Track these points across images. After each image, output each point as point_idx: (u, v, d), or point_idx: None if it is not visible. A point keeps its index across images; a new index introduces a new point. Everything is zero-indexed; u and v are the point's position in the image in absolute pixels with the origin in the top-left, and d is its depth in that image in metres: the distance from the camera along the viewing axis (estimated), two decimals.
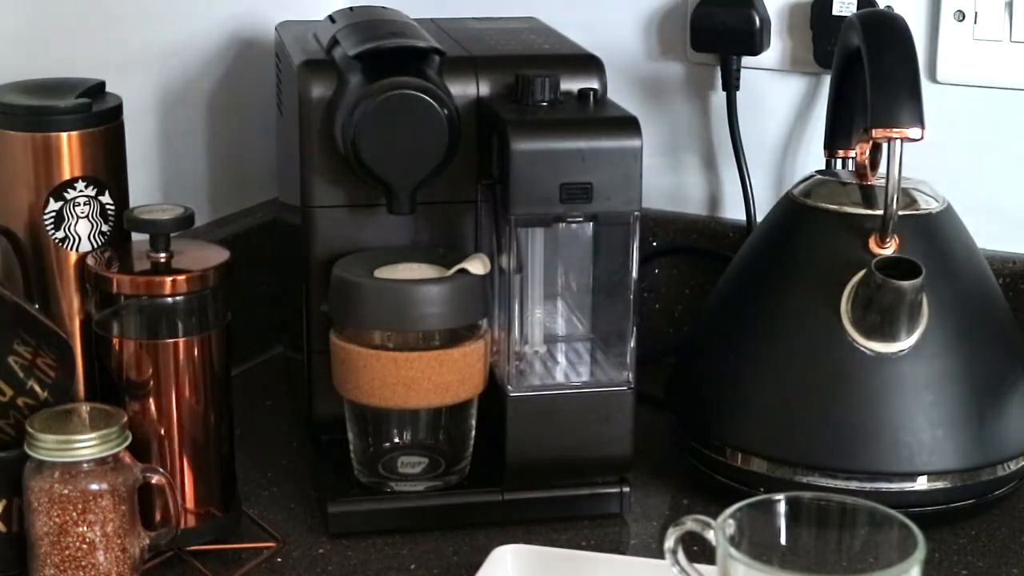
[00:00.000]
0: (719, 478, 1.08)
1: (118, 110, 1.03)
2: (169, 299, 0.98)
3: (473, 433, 1.07)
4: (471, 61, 1.08)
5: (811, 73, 1.30)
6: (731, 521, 0.81)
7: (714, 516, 0.82)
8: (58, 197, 1.00)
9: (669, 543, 0.84)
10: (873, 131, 1.05)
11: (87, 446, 0.92)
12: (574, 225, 1.04)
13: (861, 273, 1.04)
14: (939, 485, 1.04)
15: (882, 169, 1.09)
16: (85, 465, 0.93)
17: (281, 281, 1.28)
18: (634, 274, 1.03)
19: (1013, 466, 1.07)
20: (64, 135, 0.99)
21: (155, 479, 0.96)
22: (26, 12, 1.12)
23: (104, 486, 0.93)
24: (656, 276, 1.35)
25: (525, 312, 1.07)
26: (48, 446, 0.92)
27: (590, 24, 1.29)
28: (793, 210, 1.12)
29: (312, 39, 1.14)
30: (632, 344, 1.04)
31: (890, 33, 1.07)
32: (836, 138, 1.18)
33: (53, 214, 1.00)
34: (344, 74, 1.04)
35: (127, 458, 0.95)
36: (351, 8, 1.16)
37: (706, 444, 1.09)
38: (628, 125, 1.01)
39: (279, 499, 1.10)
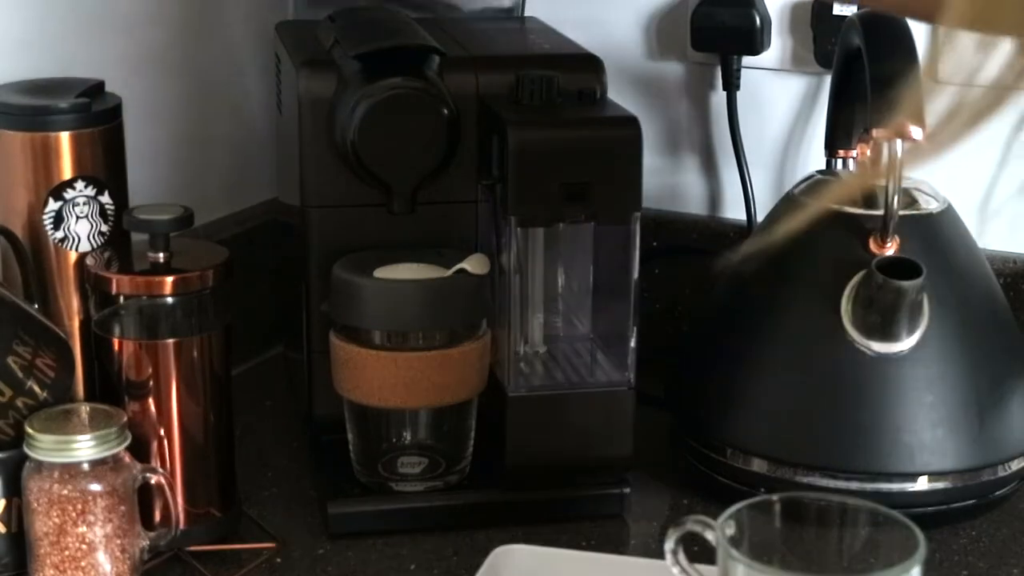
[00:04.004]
0: (719, 478, 1.08)
1: (117, 110, 1.03)
2: (169, 299, 0.98)
3: (473, 433, 1.07)
4: (471, 61, 1.08)
5: (811, 73, 1.30)
6: (731, 521, 0.81)
7: (714, 516, 0.82)
8: (57, 197, 1.00)
9: (669, 543, 0.84)
10: (873, 131, 1.05)
11: (86, 446, 0.92)
12: (574, 225, 1.04)
13: (861, 273, 1.04)
14: (940, 485, 1.04)
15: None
16: (84, 465, 0.93)
17: (281, 281, 1.28)
18: (634, 274, 1.03)
19: (1014, 466, 1.07)
20: (63, 135, 0.99)
21: (155, 479, 0.96)
22: (26, 12, 1.12)
23: (103, 486, 0.93)
24: (656, 276, 1.35)
25: (525, 312, 1.06)
26: (47, 446, 0.92)
27: (590, 24, 1.29)
28: (793, 210, 1.11)
29: (312, 39, 1.14)
30: (632, 344, 1.04)
31: (891, 33, 1.07)
32: (836, 138, 1.17)
33: (52, 214, 1.00)
34: (344, 74, 1.04)
35: (126, 458, 0.95)
36: (351, 8, 1.15)
37: (706, 444, 1.09)
38: (628, 125, 1.01)
39: (279, 499, 1.10)
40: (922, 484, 1.04)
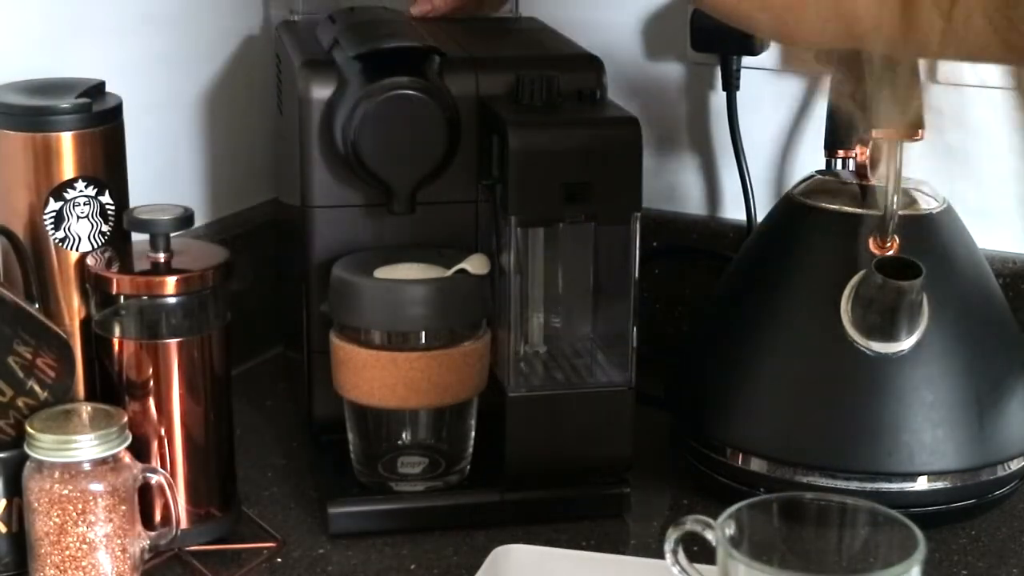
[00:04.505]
0: (719, 478, 1.08)
1: (118, 110, 1.03)
2: (169, 299, 0.98)
3: (473, 433, 1.07)
4: (471, 61, 1.08)
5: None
6: (731, 521, 0.81)
7: (714, 516, 0.82)
8: (58, 197, 1.00)
9: (669, 543, 0.84)
10: (873, 131, 1.05)
11: (87, 446, 0.92)
12: (574, 225, 1.04)
13: (861, 273, 1.04)
14: (939, 485, 1.04)
15: (882, 169, 1.09)
16: (85, 465, 0.93)
17: (281, 281, 1.28)
18: (634, 274, 1.03)
19: (1013, 466, 1.07)
20: (64, 135, 0.99)
21: (155, 479, 0.96)
22: (26, 12, 1.12)
23: (104, 486, 0.93)
24: (656, 276, 1.35)
25: (525, 312, 1.07)
26: (48, 446, 0.92)
27: (590, 24, 1.29)
28: (793, 210, 1.12)
29: (312, 39, 1.14)
30: (632, 344, 1.04)
31: None
32: (836, 138, 1.17)
33: (53, 214, 1.00)
34: (344, 74, 1.04)
35: (127, 458, 0.95)
36: (351, 8, 1.16)
37: (706, 444, 1.09)
38: (628, 125, 1.01)
39: (279, 499, 1.10)
40: (922, 484, 1.04)
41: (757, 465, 1.06)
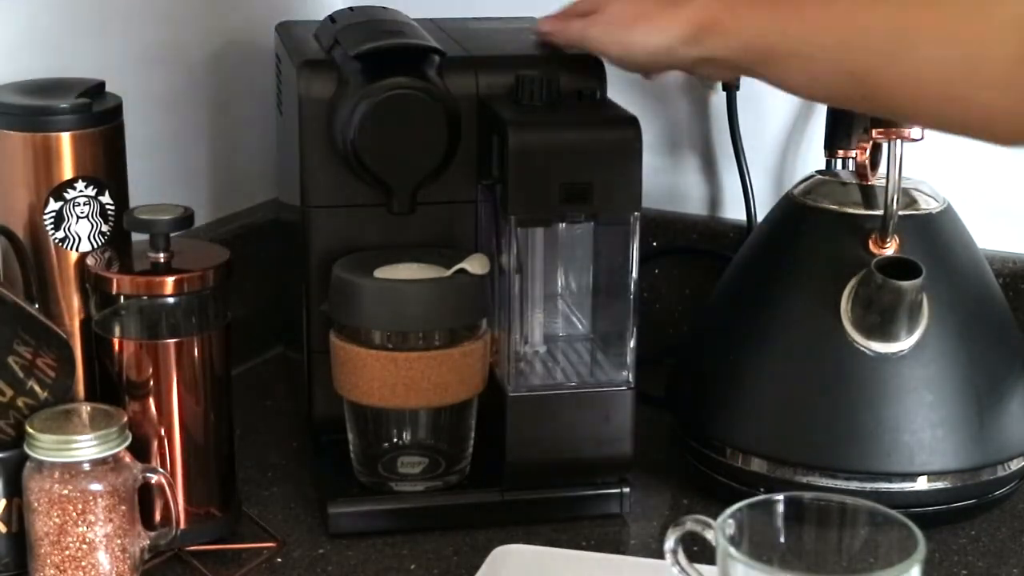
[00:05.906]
0: (719, 478, 1.08)
1: (118, 110, 1.03)
2: (169, 299, 0.98)
3: (473, 433, 1.07)
4: (471, 61, 1.08)
5: None
6: (731, 521, 0.81)
7: (714, 516, 0.82)
8: (58, 197, 1.00)
9: (669, 543, 0.84)
10: (873, 131, 1.05)
11: (87, 446, 0.92)
12: (574, 225, 1.04)
13: (861, 273, 1.04)
14: (939, 485, 1.04)
15: (882, 169, 1.09)
16: (85, 465, 0.93)
17: (281, 281, 1.28)
18: (634, 274, 1.03)
19: (1013, 466, 1.07)
20: (64, 135, 0.99)
21: (155, 479, 0.96)
22: (26, 12, 1.12)
23: (104, 486, 0.93)
24: (656, 276, 1.35)
25: (525, 312, 1.07)
26: (48, 446, 0.92)
27: None
28: (793, 210, 1.12)
29: (312, 39, 1.14)
30: (632, 344, 1.04)
31: None
32: (836, 138, 1.17)
33: (53, 214, 1.00)
34: (344, 74, 1.04)
35: (127, 458, 0.95)
36: (351, 8, 1.16)
37: (706, 444, 1.09)
38: (628, 125, 1.01)
39: (279, 499, 1.10)
40: (922, 484, 1.04)
41: (757, 465, 1.06)
